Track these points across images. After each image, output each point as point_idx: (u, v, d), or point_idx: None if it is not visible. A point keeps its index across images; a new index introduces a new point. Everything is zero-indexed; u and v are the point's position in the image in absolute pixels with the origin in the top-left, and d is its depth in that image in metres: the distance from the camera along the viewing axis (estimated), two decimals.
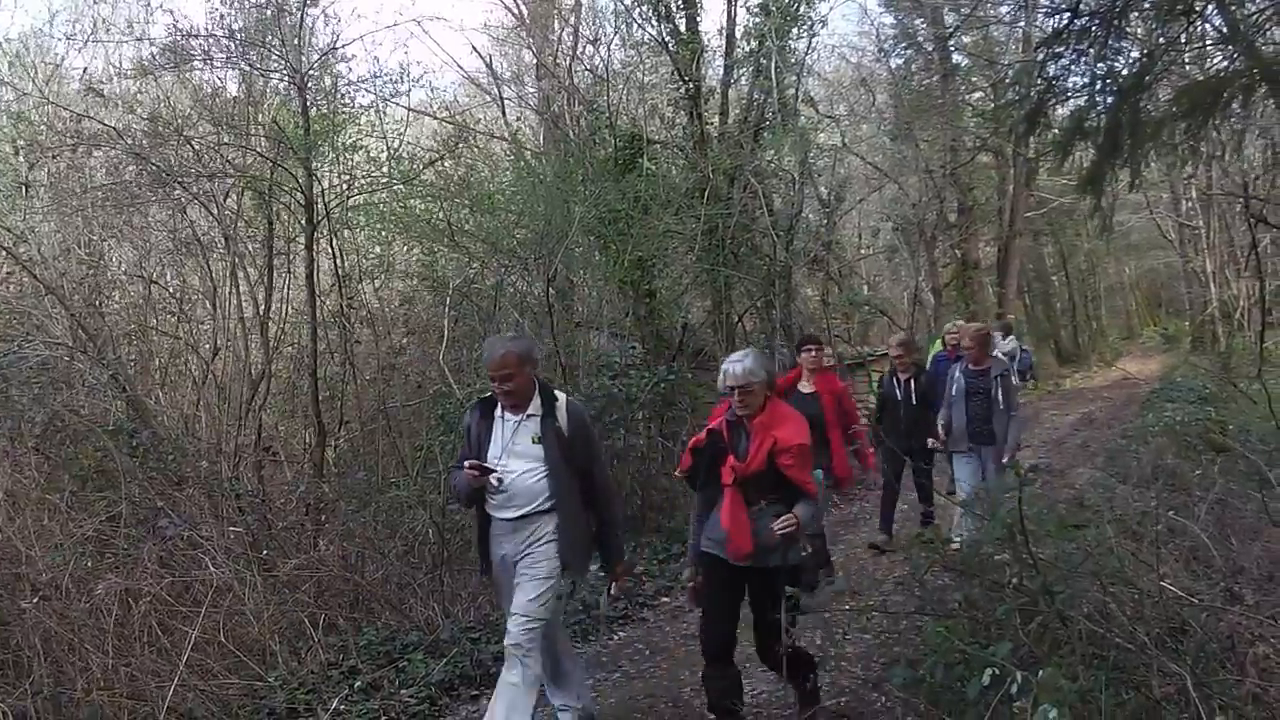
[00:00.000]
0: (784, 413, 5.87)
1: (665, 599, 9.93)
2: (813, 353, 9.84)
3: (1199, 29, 9.77)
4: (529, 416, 5.99)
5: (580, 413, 6.22)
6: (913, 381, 11.44)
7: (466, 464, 5.90)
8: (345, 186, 13.61)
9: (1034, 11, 17.39)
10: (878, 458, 11.80)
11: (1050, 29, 9.97)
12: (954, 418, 10.47)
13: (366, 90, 14.64)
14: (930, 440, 10.88)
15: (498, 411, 6.11)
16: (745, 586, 5.85)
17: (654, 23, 16.81)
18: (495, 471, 5.86)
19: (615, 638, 8.92)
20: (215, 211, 13.07)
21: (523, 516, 5.92)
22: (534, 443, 5.94)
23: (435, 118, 18.80)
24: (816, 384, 9.62)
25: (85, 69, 14.87)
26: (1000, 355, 16.92)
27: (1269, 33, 9.19)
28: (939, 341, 18.90)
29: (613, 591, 6.65)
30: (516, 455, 5.94)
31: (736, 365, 5.79)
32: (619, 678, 7.89)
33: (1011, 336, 17.83)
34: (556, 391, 6.19)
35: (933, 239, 27.28)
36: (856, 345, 23.58)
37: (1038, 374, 21.92)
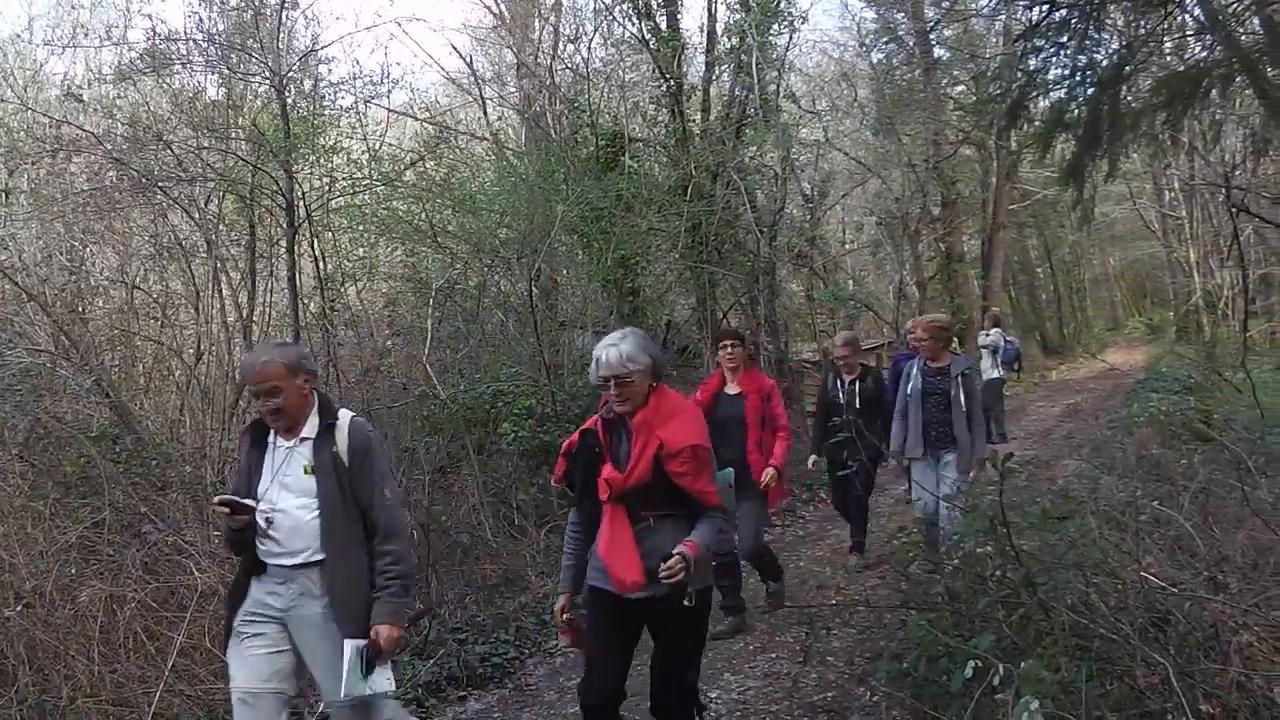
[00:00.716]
0: (671, 406, 4.76)
1: None
2: (729, 349, 8.53)
3: (1178, 20, 9.80)
4: (302, 440, 4.80)
5: (362, 433, 4.89)
6: (858, 384, 10.28)
7: (215, 500, 4.72)
8: (326, 189, 13.59)
9: (1014, 4, 17.41)
10: (828, 473, 10.73)
11: (1029, 22, 9.98)
12: (910, 422, 9.13)
13: (347, 92, 14.65)
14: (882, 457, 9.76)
15: (270, 436, 4.87)
16: (641, 622, 4.88)
17: (634, 20, 16.83)
18: (252, 509, 4.71)
19: None
20: (197, 216, 13.05)
21: (300, 565, 4.71)
22: (306, 474, 4.75)
23: (416, 119, 18.77)
24: (742, 384, 8.42)
25: (65, 74, 14.86)
26: (984, 345, 16.93)
27: (1247, 22, 9.22)
28: None
29: (368, 665, 4.60)
30: (287, 489, 4.76)
31: (611, 350, 4.70)
32: None
33: (997, 329, 17.66)
34: (341, 410, 4.98)
35: (917, 233, 27.31)
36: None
37: (1023, 365, 21.85)
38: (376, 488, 4.80)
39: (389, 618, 4.66)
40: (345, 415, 4.91)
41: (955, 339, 18.24)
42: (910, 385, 9.18)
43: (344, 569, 4.68)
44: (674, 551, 4.39)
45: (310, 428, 4.79)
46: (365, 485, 4.78)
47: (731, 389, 8.46)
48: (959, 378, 9.02)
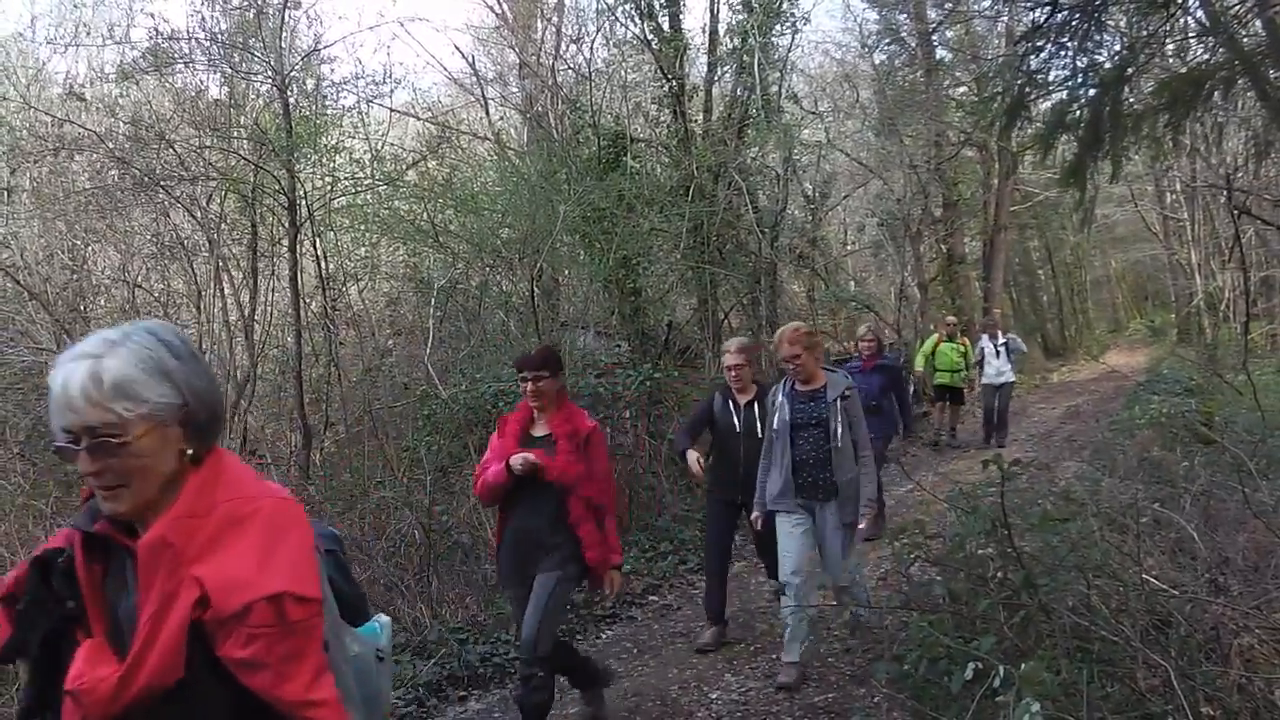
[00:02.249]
0: (238, 507, 2.29)
1: (654, 598, 9.92)
2: (529, 383, 6.18)
3: (1180, 21, 9.80)
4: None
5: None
6: (756, 405, 8.13)
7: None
8: (329, 188, 13.59)
9: (1016, 5, 17.41)
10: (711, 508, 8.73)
11: (1031, 23, 9.97)
12: (775, 465, 7.25)
13: (349, 91, 14.67)
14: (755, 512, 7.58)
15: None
16: None
17: (637, 20, 16.80)
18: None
19: (603, 636, 8.91)
20: (198, 215, 13.05)
21: None
22: None
23: (418, 118, 18.78)
24: (552, 425, 6.17)
25: (67, 73, 14.86)
26: (1002, 345, 17.33)
27: (1250, 25, 9.22)
28: (925, 345, 18.81)
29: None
30: None
31: (77, 374, 2.06)
32: None
33: (1010, 334, 18.68)
34: None
35: (918, 234, 27.25)
36: (843, 341, 23.57)
37: (1020, 363, 21.93)
38: None
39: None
40: None
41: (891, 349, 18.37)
42: (776, 417, 7.25)
43: None
44: None
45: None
46: None
47: (539, 428, 6.28)
48: (838, 402, 7.10)
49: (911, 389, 16.40)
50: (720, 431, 8.37)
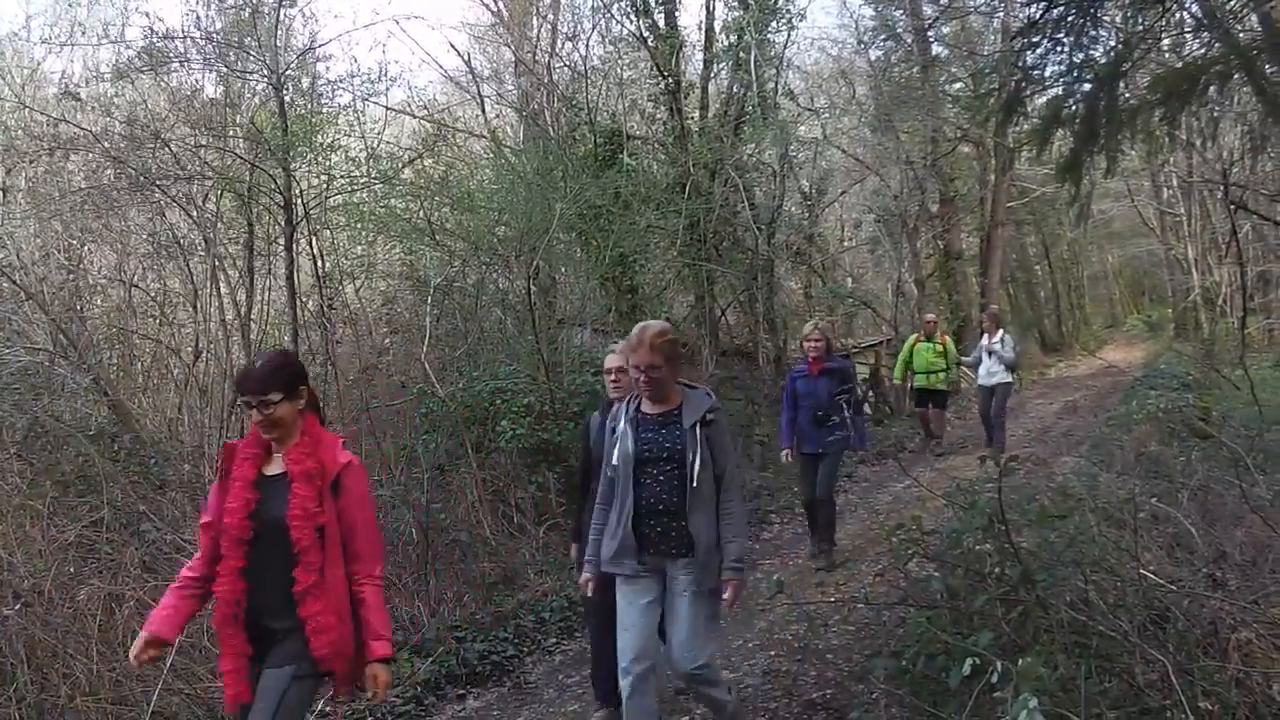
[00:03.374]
0: None
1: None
2: (255, 410, 4.49)
3: (1176, 16, 9.79)
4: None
5: None
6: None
7: None
8: (325, 187, 13.58)
9: (1012, 1, 17.41)
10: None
11: (1027, 18, 9.97)
12: (615, 510, 5.50)
13: (345, 89, 14.69)
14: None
15: None
16: None
17: (632, 18, 16.84)
18: None
19: None
20: (195, 214, 13.04)
21: None
22: None
23: (414, 116, 18.77)
24: (288, 460, 4.48)
25: (62, 73, 14.86)
26: (992, 349, 16.01)
27: (1245, 19, 9.22)
28: (903, 350, 17.47)
29: None
30: None
31: None
32: None
33: (1002, 331, 16.64)
34: None
35: (915, 230, 27.25)
36: (840, 338, 23.59)
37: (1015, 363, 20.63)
38: None
39: None
40: None
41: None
42: (617, 448, 5.49)
43: None
44: None
45: None
46: None
47: (273, 465, 4.54)
48: (698, 429, 5.36)
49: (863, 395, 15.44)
50: (598, 458, 6.18)
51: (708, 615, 5.40)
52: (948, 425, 18.15)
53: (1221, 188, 17.84)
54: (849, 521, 12.41)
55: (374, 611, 4.43)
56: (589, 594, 5.80)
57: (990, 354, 16.04)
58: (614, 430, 5.59)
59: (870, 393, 21.98)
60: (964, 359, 17.59)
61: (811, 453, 10.33)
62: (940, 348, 16.76)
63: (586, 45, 18.00)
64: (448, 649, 7.89)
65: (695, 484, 5.28)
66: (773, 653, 7.77)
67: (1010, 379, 16.45)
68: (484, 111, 19.13)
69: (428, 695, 7.35)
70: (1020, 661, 3.82)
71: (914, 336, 17.34)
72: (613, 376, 6.55)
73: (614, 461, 5.49)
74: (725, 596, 5.32)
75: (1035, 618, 4.72)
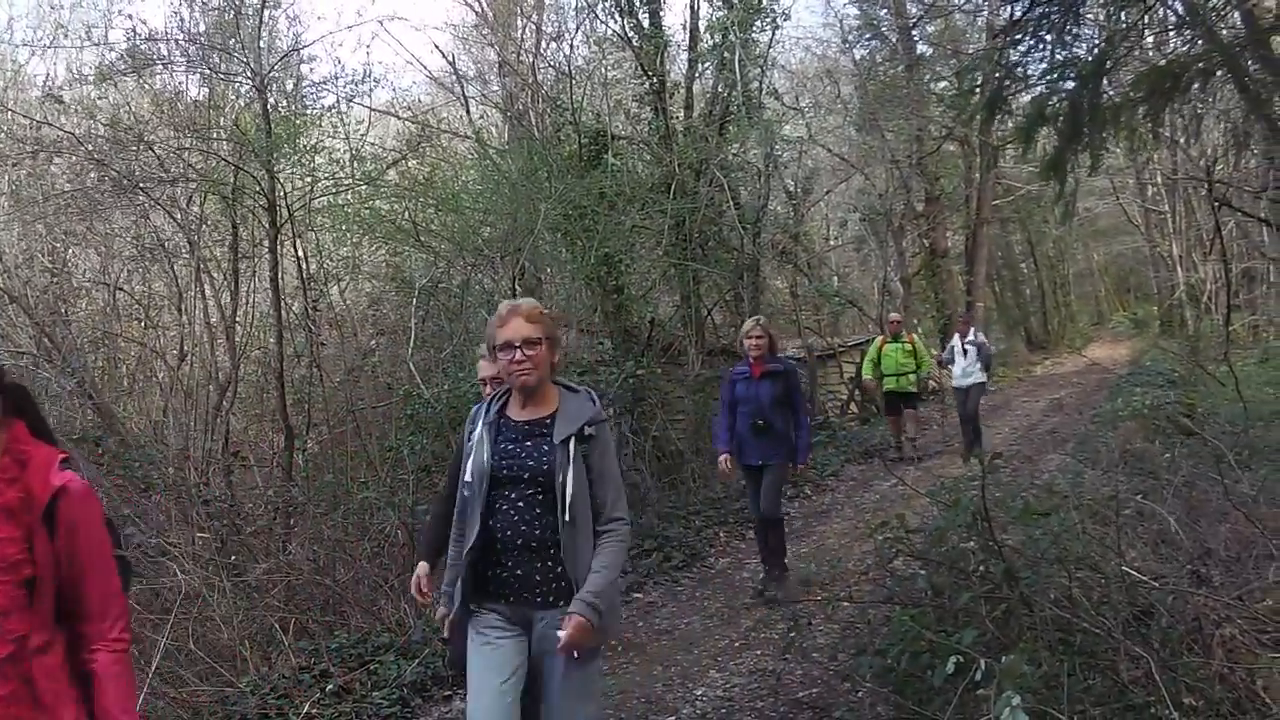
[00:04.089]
0: None
1: (637, 595, 9.92)
2: None
3: (1158, 14, 9.82)
4: None
5: None
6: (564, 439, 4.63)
7: None
8: (309, 188, 13.57)
9: None
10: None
11: (1011, 17, 9.99)
12: (462, 540, 4.35)
13: (329, 91, 14.65)
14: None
15: None
16: None
17: (617, 18, 16.84)
18: None
19: None
20: (179, 216, 13.03)
21: None
22: None
23: (399, 117, 18.75)
24: None
25: (45, 75, 14.83)
26: (970, 344, 15.60)
27: (1228, 17, 9.25)
28: (870, 350, 17.08)
29: None
30: None
31: None
32: None
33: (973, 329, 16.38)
34: None
35: (900, 229, 27.33)
36: (827, 337, 23.63)
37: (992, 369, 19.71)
38: None
39: None
40: None
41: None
42: (470, 460, 4.33)
43: None
44: None
45: None
46: None
47: None
48: (571, 444, 4.19)
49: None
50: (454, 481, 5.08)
51: (585, 682, 4.30)
52: (924, 428, 17.82)
53: (1205, 185, 17.88)
54: (835, 520, 12.44)
55: (110, 689, 2.94)
56: (445, 635, 4.87)
57: (965, 352, 15.65)
58: (470, 436, 4.41)
59: (856, 392, 22.00)
60: (942, 355, 16.89)
61: (753, 464, 9.23)
62: (909, 347, 16.35)
63: (571, 45, 18.00)
64: (434, 650, 7.87)
65: (567, 516, 4.09)
66: (758, 651, 7.80)
67: (984, 378, 16.09)
68: (468, 112, 19.10)
69: (414, 697, 7.33)
70: (1004, 659, 3.83)
71: (880, 338, 16.96)
72: (488, 388, 5.26)
73: (466, 477, 4.33)
74: (561, 633, 4.00)
75: (1019, 615, 4.73)
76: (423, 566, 5.15)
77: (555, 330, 4.37)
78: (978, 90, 11.55)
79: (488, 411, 4.39)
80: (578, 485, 4.13)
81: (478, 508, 4.19)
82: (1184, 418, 11.54)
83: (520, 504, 4.15)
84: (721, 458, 9.38)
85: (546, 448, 4.17)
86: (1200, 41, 8.82)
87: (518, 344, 4.18)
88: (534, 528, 4.13)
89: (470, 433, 4.40)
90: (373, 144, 16.82)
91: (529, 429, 4.26)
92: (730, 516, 12.32)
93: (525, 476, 4.15)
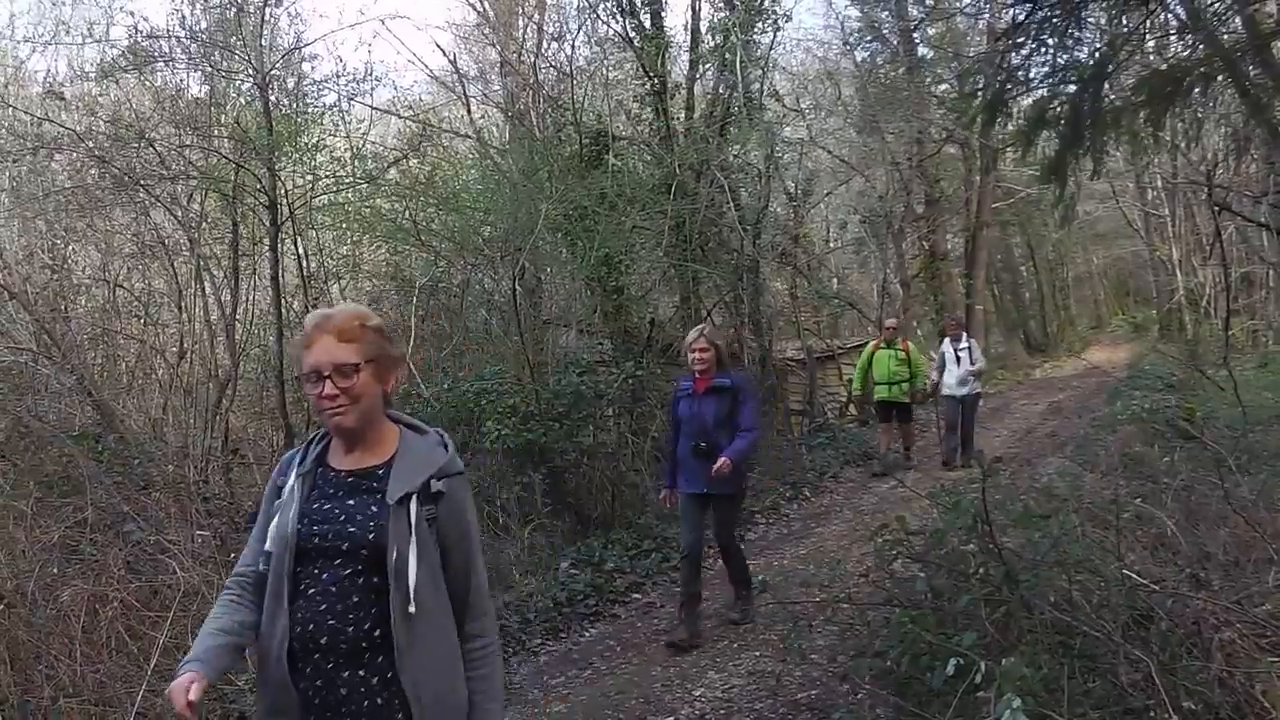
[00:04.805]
0: None
1: (636, 595, 9.92)
2: None
3: (1160, 18, 9.83)
4: None
5: None
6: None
7: None
8: (310, 187, 13.56)
9: (996, 2, 17.44)
10: None
11: (1012, 20, 9.99)
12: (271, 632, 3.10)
13: (330, 89, 14.66)
14: None
15: None
16: None
17: (618, 18, 16.81)
18: None
19: (587, 634, 8.92)
20: (179, 214, 13.02)
21: None
22: None
23: (400, 116, 18.75)
24: None
25: (46, 72, 14.83)
26: (961, 350, 15.06)
27: (1229, 21, 9.25)
28: (861, 358, 16.41)
29: None
30: None
31: None
32: (590, 674, 7.89)
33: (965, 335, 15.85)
34: None
35: (900, 231, 27.33)
36: (826, 338, 23.61)
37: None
38: None
39: None
40: None
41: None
42: (275, 523, 3.11)
43: None
44: None
45: None
46: None
47: None
48: (412, 507, 3.05)
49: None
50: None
51: None
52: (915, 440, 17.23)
53: (1205, 189, 17.88)
54: (834, 521, 12.44)
55: None
56: None
57: (959, 360, 15.17)
58: (279, 491, 3.20)
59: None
60: (931, 371, 16.37)
61: (695, 492, 8.06)
62: (903, 355, 15.66)
63: (572, 45, 18.01)
64: None
65: (414, 606, 2.94)
66: (757, 653, 7.80)
67: (979, 389, 15.71)
68: (469, 112, 19.10)
69: None
70: (1004, 662, 3.84)
71: (873, 343, 16.43)
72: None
73: (269, 544, 3.09)
74: None
75: (1019, 618, 4.74)
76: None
77: (385, 348, 3.28)
78: (979, 93, 11.51)
79: (303, 459, 3.23)
80: (424, 562, 3.00)
81: (281, 593, 3.00)
82: (1183, 422, 11.52)
83: (333, 588, 2.96)
84: (662, 494, 8.73)
85: (375, 509, 3.04)
86: (1201, 46, 8.85)
87: (327, 372, 3.09)
88: (348, 621, 2.93)
89: (280, 487, 3.20)
90: (374, 143, 16.85)
91: (353, 482, 3.13)
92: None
93: (344, 548, 2.99)
